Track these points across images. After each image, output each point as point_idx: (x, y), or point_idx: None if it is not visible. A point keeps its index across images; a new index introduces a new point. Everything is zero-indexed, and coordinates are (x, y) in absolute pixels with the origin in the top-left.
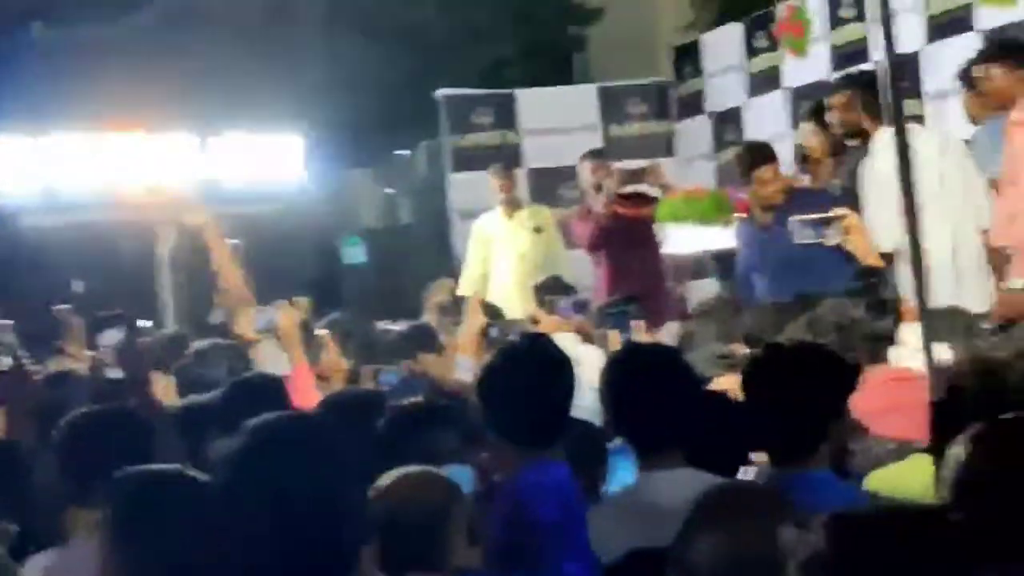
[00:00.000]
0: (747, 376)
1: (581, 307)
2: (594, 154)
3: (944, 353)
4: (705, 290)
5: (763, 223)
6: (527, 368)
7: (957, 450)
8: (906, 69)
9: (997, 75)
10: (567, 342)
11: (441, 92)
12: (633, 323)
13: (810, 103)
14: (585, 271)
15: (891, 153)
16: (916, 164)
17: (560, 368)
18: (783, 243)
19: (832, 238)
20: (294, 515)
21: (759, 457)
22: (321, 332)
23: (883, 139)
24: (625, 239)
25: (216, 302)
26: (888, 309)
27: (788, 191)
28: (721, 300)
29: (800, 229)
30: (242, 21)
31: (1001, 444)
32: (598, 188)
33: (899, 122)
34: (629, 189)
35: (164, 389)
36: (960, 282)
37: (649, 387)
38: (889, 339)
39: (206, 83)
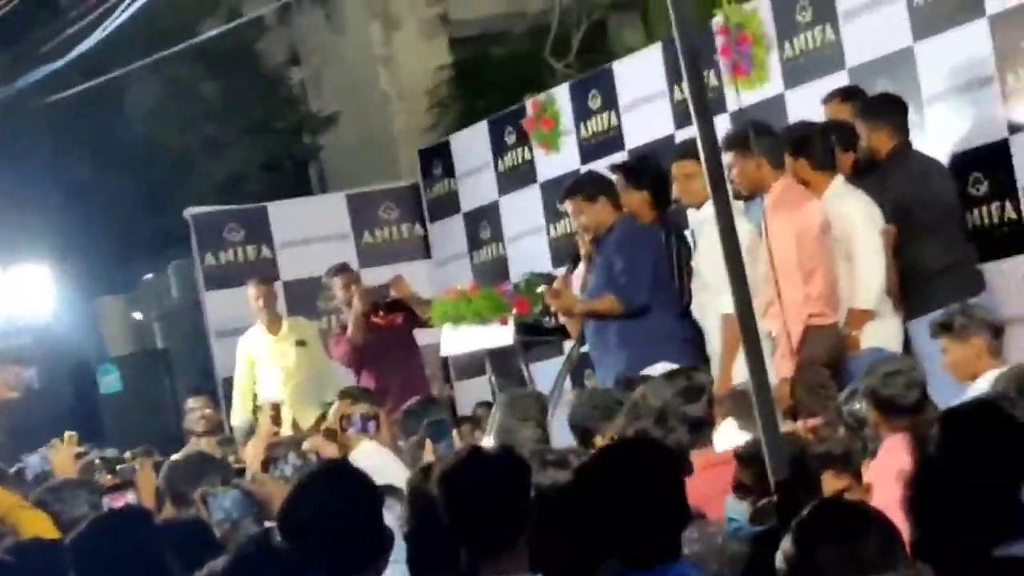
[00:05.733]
0: (581, 480)
1: (371, 419)
2: (339, 269)
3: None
4: (473, 389)
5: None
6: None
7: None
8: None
9: (738, 163)
10: (371, 451)
11: (190, 211)
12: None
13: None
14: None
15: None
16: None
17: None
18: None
19: None
20: None
21: None
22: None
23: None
24: (383, 350)
25: None
26: (701, 393)
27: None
28: (530, 397)
29: None
30: None
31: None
32: (350, 304)
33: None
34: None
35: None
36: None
37: (490, 491)
38: (705, 423)
39: None
